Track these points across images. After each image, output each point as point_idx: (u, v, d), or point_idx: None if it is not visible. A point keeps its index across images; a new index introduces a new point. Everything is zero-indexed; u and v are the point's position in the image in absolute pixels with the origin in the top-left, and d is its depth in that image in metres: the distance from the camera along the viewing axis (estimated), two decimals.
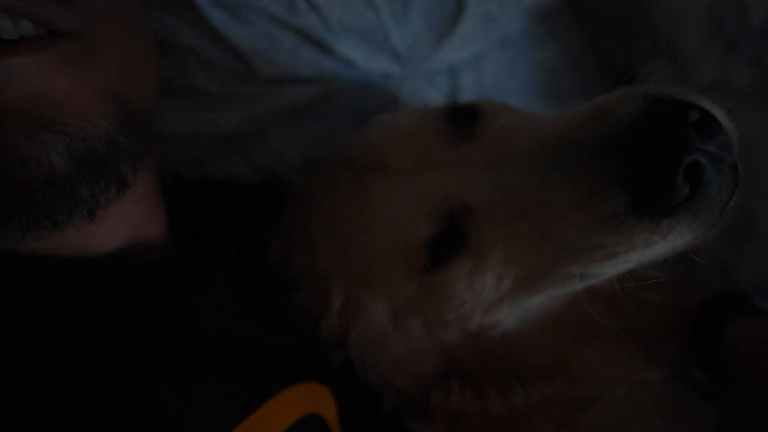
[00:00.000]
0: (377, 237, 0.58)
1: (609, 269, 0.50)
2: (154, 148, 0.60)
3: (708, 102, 0.45)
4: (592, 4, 0.91)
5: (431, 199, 0.55)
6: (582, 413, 0.60)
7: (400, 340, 0.63)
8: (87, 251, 0.52)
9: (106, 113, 0.47)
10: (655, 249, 0.47)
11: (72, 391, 0.44)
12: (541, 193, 0.49)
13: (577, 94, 0.94)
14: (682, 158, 0.41)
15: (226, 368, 0.53)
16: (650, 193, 0.43)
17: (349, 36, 0.76)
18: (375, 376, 0.64)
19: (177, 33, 0.73)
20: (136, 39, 0.53)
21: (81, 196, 0.47)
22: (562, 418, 0.61)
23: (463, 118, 0.60)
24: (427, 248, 0.56)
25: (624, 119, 0.44)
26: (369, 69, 0.80)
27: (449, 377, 0.64)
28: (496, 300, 0.57)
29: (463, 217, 0.54)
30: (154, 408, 0.47)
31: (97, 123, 0.46)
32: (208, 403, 0.49)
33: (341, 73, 0.80)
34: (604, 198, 0.45)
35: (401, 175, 0.58)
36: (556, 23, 0.89)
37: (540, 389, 0.61)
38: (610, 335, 0.63)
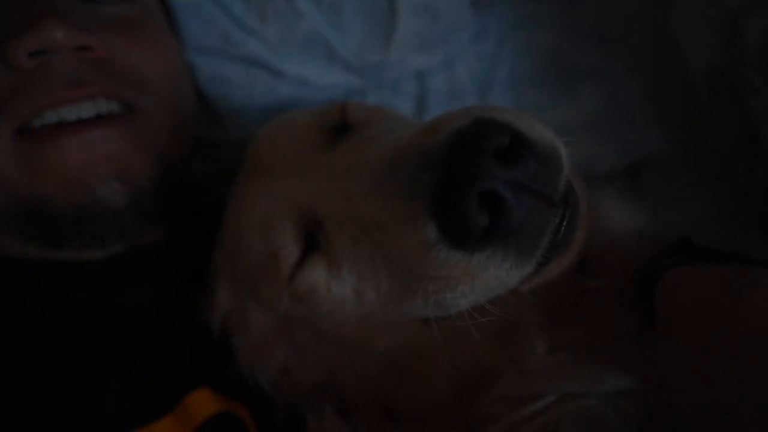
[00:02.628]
0: (248, 244, 0.56)
1: (458, 300, 0.44)
2: None
3: (528, 123, 0.41)
4: None
5: (287, 207, 0.53)
6: None
7: (284, 349, 0.59)
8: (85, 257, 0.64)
9: (157, 170, 0.65)
10: (486, 283, 0.42)
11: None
12: (375, 210, 0.45)
13: (591, 75, 0.76)
14: (471, 187, 0.38)
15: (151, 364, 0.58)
16: (449, 224, 0.40)
17: (293, 52, 0.77)
18: (265, 385, 0.60)
19: None
20: (182, 111, 0.72)
21: (129, 227, 0.64)
22: None
23: (343, 122, 0.57)
24: (286, 257, 0.53)
25: (441, 139, 0.41)
26: (326, 85, 0.79)
27: (326, 401, 0.58)
28: (364, 314, 0.52)
29: (315, 228, 0.51)
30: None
31: (150, 177, 0.65)
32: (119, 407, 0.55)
33: (300, 95, 0.80)
34: (419, 224, 0.41)
35: (269, 179, 0.56)
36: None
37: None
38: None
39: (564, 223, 0.42)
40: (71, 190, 0.59)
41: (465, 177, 0.38)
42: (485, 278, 0.41)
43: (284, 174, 0.54)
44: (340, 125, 0.57)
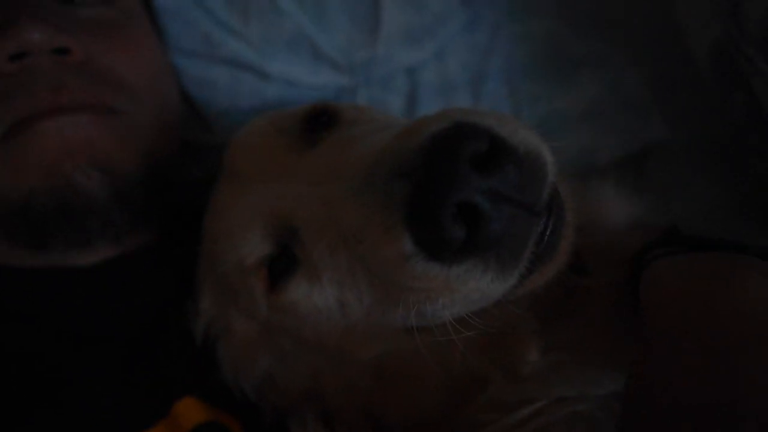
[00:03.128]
0: (222, 251, 0.54)
1: (439, 312, 0.42)
2: None
3: (511, 128, 0.38)
4: None
5: (262, 214, 0.51)
6: None
7: (267, 356, 0.58)
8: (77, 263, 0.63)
9: (140, 164, 0.64)
10: (467, 295, 0.40)
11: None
12: (352, 218, 0.42)
13: (590, 62, 0.72)
14: (445, 197, 0.36)
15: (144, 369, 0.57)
16: (424, 236, 0.38)
17: (277, 52, 0.75)
18: (250, 392, 0.59)
19: None
20: (166, 112, 0.71)
21: (113, 223, 0.62)
22: None
23: (322, 122, 0.55)
24: (263, 267, 0.51)
25: (417, 145, 0.38)
26: (314, 85, 0.77)
27: (309, 409, 0.57)
28: (350, 324, 0.50)
29: (291, 236, 0.49)
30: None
31: (134, 172, 0.63)
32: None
33: (287, 96, 0.77)
34: (394, 235, 0.39)
35: (244, 182, 0.54)
36: None
37: None
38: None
39: (548, 233, 0.40)
40: (50, 179, 0.58)
41: (439, 186, 0.36)
42: (466, 291, 0.39)
43: (260, 178, 0.52)
44: (312, 123, 0.55)
